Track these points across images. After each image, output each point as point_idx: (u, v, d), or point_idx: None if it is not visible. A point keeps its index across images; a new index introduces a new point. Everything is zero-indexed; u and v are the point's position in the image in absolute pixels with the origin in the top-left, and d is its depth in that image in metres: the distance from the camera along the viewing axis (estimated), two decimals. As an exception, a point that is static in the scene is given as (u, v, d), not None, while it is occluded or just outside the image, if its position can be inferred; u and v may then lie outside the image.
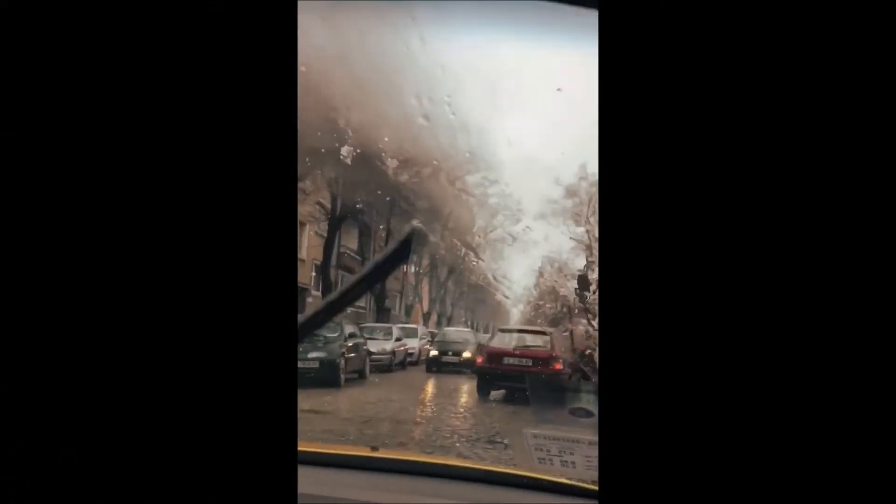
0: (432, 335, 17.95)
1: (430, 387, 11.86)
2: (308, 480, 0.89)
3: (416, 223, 0.82)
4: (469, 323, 36.86)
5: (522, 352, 9.21)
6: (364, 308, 20.60)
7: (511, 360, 9.07)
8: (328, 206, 18.84)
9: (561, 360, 9.54)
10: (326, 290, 17.74)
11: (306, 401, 7.72)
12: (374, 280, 0.85)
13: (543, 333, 10.54)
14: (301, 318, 0.88)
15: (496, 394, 9.08)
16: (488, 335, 13.22)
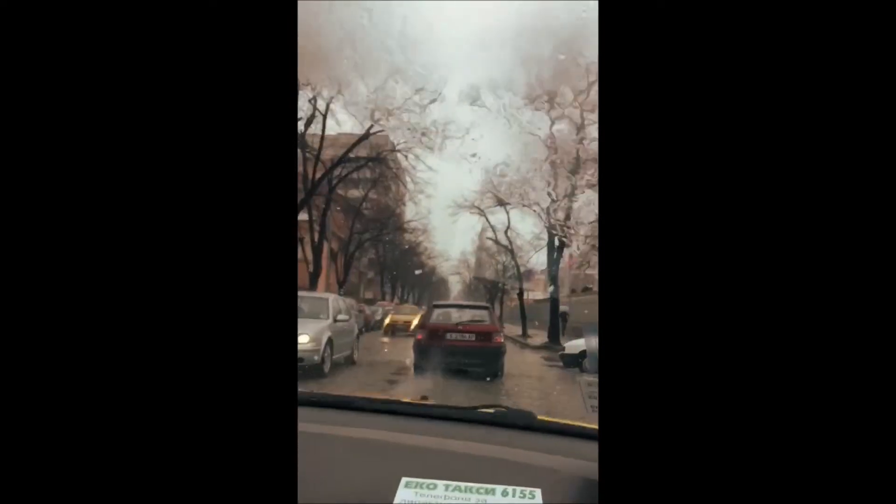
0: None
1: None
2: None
3: None
4: (398, 297, 33.11)
5: (466, 327, 9.14)
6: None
7: (454, 336, 9.07)
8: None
9: (501, 334, 9.64)
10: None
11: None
12: None
13: (484, 308, 10.54)
14: None
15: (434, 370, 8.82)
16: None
